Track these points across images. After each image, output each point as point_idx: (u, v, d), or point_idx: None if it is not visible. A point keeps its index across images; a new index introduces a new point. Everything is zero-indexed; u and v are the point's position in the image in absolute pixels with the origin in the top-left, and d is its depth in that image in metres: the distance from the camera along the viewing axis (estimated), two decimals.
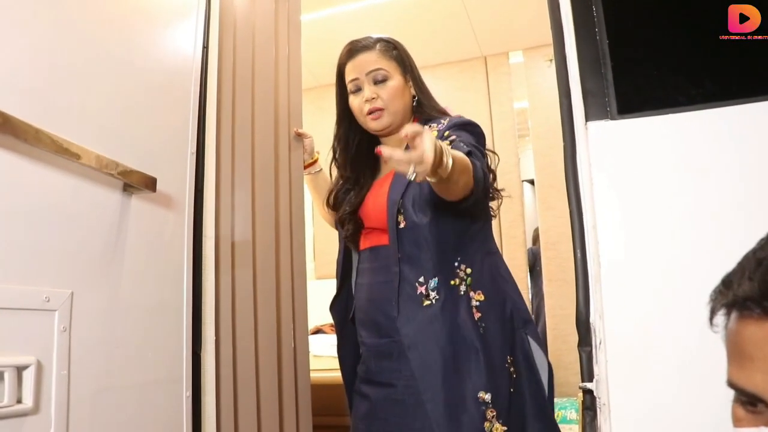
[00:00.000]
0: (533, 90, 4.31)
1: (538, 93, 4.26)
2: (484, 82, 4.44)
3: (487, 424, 1.38)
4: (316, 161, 2.00)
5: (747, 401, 0.56)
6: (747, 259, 0.57)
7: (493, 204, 1.64)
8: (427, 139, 1.05)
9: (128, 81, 1.27)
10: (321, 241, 4.57)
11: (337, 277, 1.75)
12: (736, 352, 0.57)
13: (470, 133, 1.51)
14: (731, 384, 0.57)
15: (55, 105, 1.05)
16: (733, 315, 0.57)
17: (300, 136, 1.98)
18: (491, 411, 1.39)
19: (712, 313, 0.59)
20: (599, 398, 1.18)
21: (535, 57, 4.31)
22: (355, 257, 1.71)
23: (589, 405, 1.21)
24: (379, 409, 1.55)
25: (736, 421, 0.57)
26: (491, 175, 1.62)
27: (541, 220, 4.13)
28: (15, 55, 0.97)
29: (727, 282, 0.58)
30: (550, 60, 4.13)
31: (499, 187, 1.67)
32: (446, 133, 1.48)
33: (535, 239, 4.73)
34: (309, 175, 2.00)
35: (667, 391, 1.13)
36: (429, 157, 1.05)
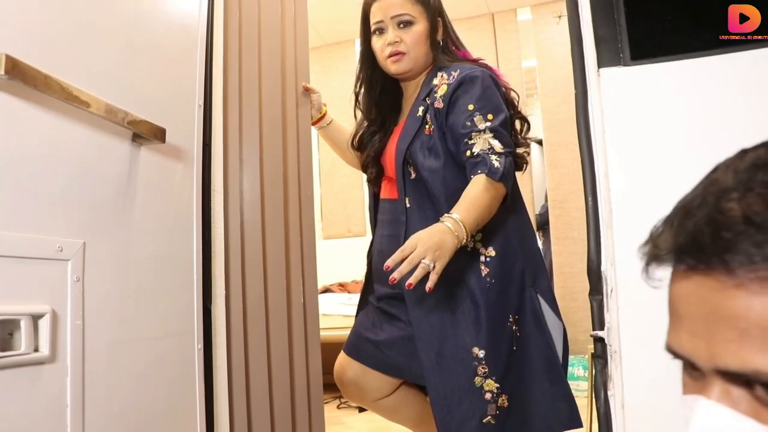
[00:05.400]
0: (542, 47, 4.24)
1: (546, 50, 4.20)
2: (491, 40, 4.38)
3: (477, 379, 1.39)
4: (324, 115, 1.98)
5: (688, 365, 0.48)
6: (675, 208, 0.49)
7: (520, 150, 1.62)
8: (420, 261, 1.26)
9: (135, 31, 1.25)
10: (328, 201, 4.56)
11: (370, 222, 1.78)
12: (670, 310, 0.50)
13: (480, 89, 1.48)
14: (666, 346, 0.50)
15: (64, 54, 1.04)
16: (669, 270, 0.49)
17: (308, 91, 1.96)
18: (483, 367, 1.39)
19: (645, 266, 0.50)
20: (610, 346, 1.19)
21: (544, 14, 4.24)
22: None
23: (600, 353, 1.22)
24: (392, 345, 1.57)
25: (683, 387, 0.50)
26: (525, 124, 1.63)
27: (549, 179, 4.12)
28: (25, 2, 0.96)
29: (653, 232, 0.50)
30: (559, 16, 4.06)
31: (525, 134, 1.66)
32: (451, 94, 1.48)
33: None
34: (321, 129, 1.99)
35: None
36: (433, 280, 1.27)
